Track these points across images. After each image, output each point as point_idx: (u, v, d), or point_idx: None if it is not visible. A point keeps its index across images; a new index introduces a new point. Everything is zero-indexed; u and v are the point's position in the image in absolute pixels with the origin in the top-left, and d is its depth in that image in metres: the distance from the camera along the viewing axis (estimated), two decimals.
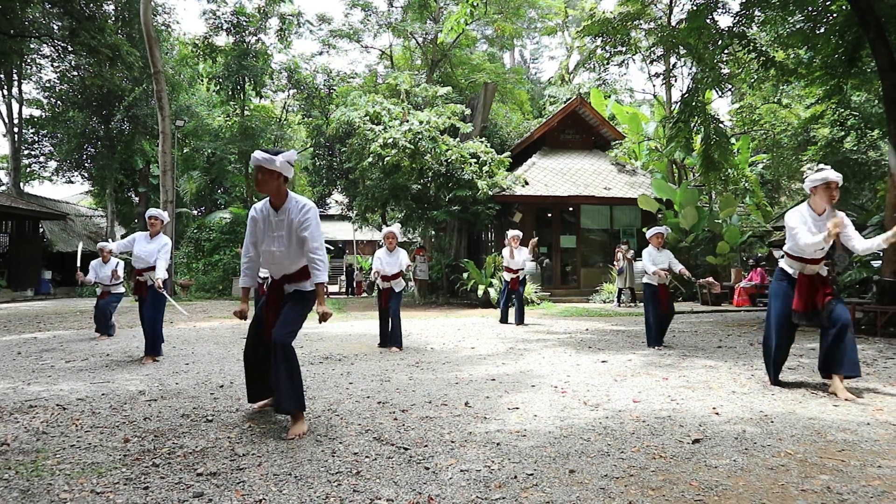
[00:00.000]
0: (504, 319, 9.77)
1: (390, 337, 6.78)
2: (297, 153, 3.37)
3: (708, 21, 10.39)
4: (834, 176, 4.00)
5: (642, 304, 7.03)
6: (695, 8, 10.52)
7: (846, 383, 4.13)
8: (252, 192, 22.40)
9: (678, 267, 6.43)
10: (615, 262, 14.07)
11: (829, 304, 4.10)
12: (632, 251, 14.07)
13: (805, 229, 4.02)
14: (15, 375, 5.07)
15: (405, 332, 8.34)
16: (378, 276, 6.88)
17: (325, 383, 4.64)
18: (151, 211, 5.99)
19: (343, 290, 25.93)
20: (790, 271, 4.26)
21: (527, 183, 15.72)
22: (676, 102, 12.90)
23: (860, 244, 3.96)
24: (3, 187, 24.63)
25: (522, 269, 9.51)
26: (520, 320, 9.48)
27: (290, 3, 22.01)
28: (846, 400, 3.88)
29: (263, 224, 3.41)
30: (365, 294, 23.04)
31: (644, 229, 15.48)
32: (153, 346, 5.91)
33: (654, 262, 6.45)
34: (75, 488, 2.44)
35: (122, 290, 8.11)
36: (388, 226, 7.50)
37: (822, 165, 4.19)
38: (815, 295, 4.13)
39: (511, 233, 9.61)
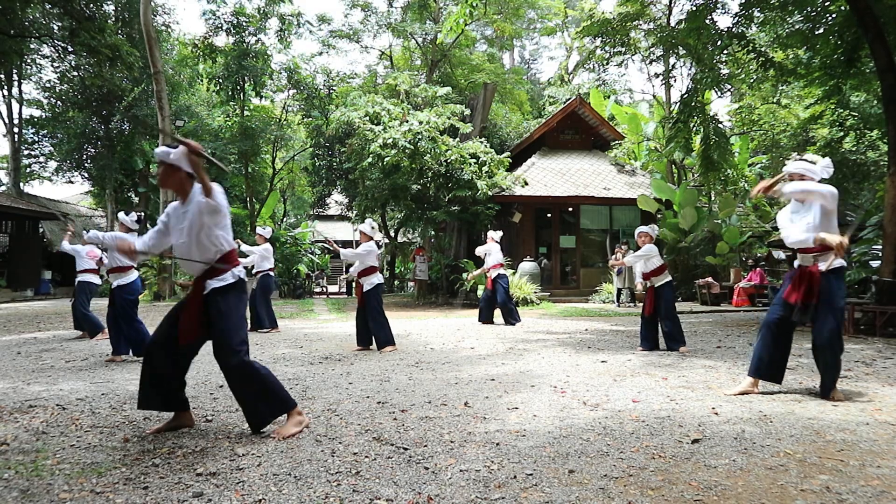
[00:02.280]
0: (482, 319, 9.66)
1: (376, 339, 6.64)
2: (199, 146, 3.23)
3: (707, 21, 10.41)
4: (785, 168, 4.04)
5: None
6: (694, 8, 10.54)
7: (840, 384, 4.16)
8: (252, 192, 22.42)
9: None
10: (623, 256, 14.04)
11: (819, 314, 3.91)
12: (632, 251, 14.06)
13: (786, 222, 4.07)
14: (15, 375, 5.07)
15: (405, 332, 8.36)
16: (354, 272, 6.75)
17: (324, 383, 4.64)
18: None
19: (342, 289, 25.92)
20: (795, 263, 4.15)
21: (526, 183, 15.73)
22: (676, 103, 12.91)
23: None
24: (3, 187, 24.63)
25: (495, 266, 9.36)
26: (508, 319, 9.37)
27: (290, 4, 22.01)
28: (832, 399, 3.89)
29: (174, 218, 3.27)
30: None
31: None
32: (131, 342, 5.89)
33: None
34: (75, 488, 2.45)
35: (89, 278, 7.85)
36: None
37: (801, 156, 4.07)
38: (806, 290, 3.91)
39: (490, 234, 9.65)
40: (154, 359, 3.18)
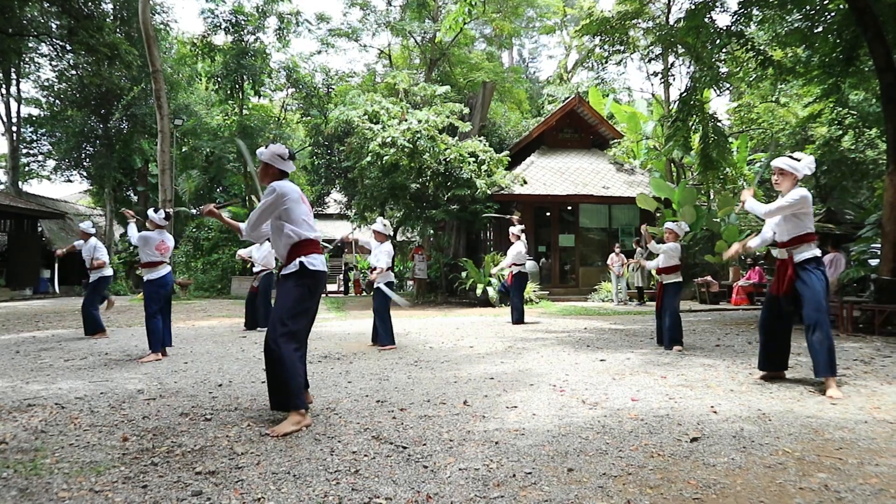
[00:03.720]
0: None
1: (379, 336, 6.76)
2: (284, 146, 3.63)
3: (706, 20, 10.40)
4: (772, 163, 4.39)
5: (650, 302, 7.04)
6: (693, 7, 10.53)
7: (840, 382, 4.20)
8: (251, 190, 22.40)
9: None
10: (636, 254, 14.03)
11: (800, 307, 4.23)
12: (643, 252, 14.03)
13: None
14: (13, 374, 5.06)
15: (404, 331, 8.36)
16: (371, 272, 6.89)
17: (323, 382, 4.64)
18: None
19: (340, 289, 25.91)
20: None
21: (525, 182, 15.73)
22: (675, 101, 12.91)
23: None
24: (2, 186, 24.59)
25: (515, 263, 9.37)
26: (514, 319, 9.31)
27: (289, 2, 22.00)
28: (830, 397, 3.93)
29: None
30: (364, 293, 23.07)
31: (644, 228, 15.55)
32: (149, 342, 5.94)
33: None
34: (74, 487, 2.45)
35: (106, 273, 7.95)
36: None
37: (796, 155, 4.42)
38: (783, 280, 4.29)
39: (512, 228, 9.66)
40: None
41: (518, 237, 9.49)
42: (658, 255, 6.52)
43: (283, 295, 3.39)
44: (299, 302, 3.38)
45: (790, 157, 4.27)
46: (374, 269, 6.73)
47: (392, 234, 7.04)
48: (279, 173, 3.56)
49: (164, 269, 6.14)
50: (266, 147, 3.59)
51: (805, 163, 4.21)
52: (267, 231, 3.55)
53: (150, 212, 6.23)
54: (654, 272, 6.62)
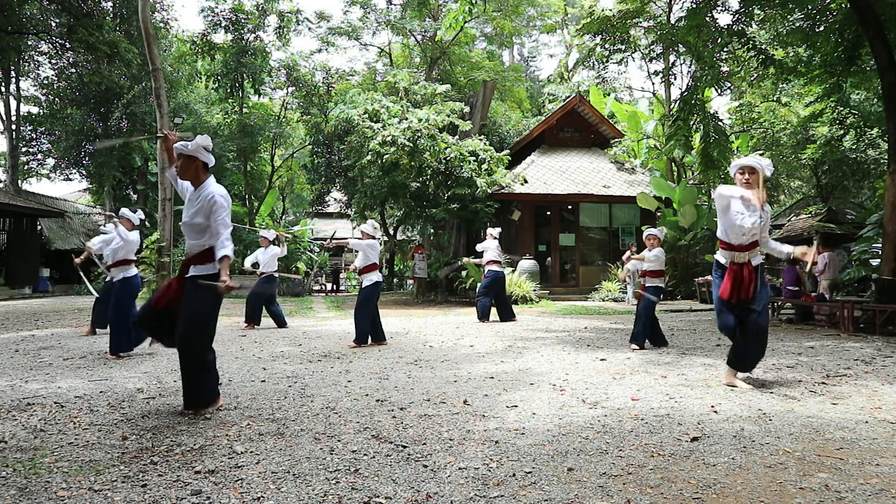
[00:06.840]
0: (501, 318, 9.78)
1: (355, 331, 6.84)
2: (209, 138, 3.68)
3: (707, 19, 10.38)
4: (742, 161, 4.24)
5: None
6: (694, 6, 10.51)
7: (840, 381, 4.17)
8: (251, 189, 22.39)
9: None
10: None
11: (752, 311, 4.17)
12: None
13: (737, 214, 4.18)
14: (13, 373, 5.05)
15: (404, 330, 8.37)
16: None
17: (323, 381, 4.63)
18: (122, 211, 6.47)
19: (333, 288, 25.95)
20: (723, 261, 4.31)
21: (526, 181, 15.72)
22: (676, 100, 12.88)
23: (772, 245, 4.32)
24: (1, 184, 24.58)
25: (490, 262, 9.54)
26: (505, 316, 9.55)
27: (289, 1, 21.96)
28: (729, 385, 4.25)
29: (187, 199, 3.66)
30: None
31: (643, 228, 15.56)
32: (116, 342, 5.92)
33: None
34: (73, 486, 2.44)
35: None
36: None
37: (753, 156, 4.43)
38: (746, 285, 4.16)
39: (489, 230, 9.84)
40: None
41: (495, 238, 9.66)
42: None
43: (203, 299, 3.47)
44: (215, 307, 3.57)
45: (757, 158, 4.33)
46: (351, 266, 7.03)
47: (376, 235, 7.13)
48: (203, 166, 3.61)
49: (135, 269, 6.30)
50: (189, 140, 3.55)
51: (767, 163, 4.28)
52: (202, 222, 3.52)
53: (125, 210, 6.34)
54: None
